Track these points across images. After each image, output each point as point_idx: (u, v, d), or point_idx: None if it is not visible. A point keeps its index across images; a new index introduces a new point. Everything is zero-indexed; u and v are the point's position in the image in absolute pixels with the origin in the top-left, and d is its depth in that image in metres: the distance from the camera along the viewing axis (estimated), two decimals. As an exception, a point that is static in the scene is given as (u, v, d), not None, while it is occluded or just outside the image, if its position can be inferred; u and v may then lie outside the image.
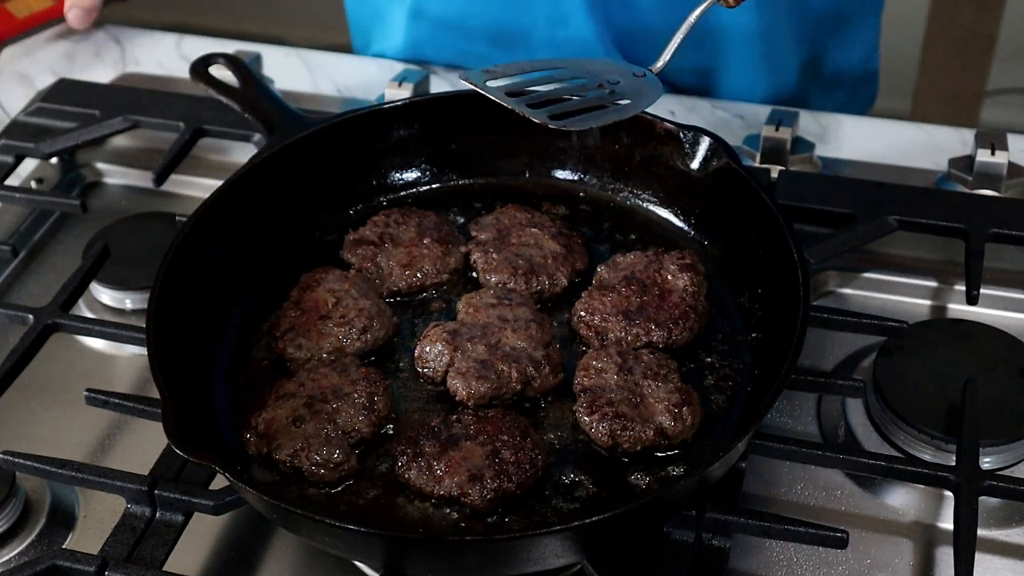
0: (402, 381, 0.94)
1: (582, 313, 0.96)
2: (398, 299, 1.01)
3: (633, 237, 1.07)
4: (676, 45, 0.97)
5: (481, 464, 0.84)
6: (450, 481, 0.83)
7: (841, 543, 0.83)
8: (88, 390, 0.94)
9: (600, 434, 0.87)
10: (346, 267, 1.02)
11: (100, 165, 1.29)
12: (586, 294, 0.98)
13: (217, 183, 1.02)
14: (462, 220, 1.09)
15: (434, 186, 1.12)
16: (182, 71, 1.20)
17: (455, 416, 0.88)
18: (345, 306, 0.96)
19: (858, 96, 1.49)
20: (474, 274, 1.03)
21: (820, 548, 0.89)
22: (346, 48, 1.54)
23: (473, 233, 1.05)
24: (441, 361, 0.92)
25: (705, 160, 1.02)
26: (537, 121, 0.93)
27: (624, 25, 1.34)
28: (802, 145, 1.21)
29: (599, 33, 1.33)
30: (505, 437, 0.85)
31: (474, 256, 1.03)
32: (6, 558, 0.90)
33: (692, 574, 0.83)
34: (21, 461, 0.90)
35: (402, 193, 1.12)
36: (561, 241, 1.03)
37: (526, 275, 1.00)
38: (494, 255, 1.01)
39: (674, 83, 1.35)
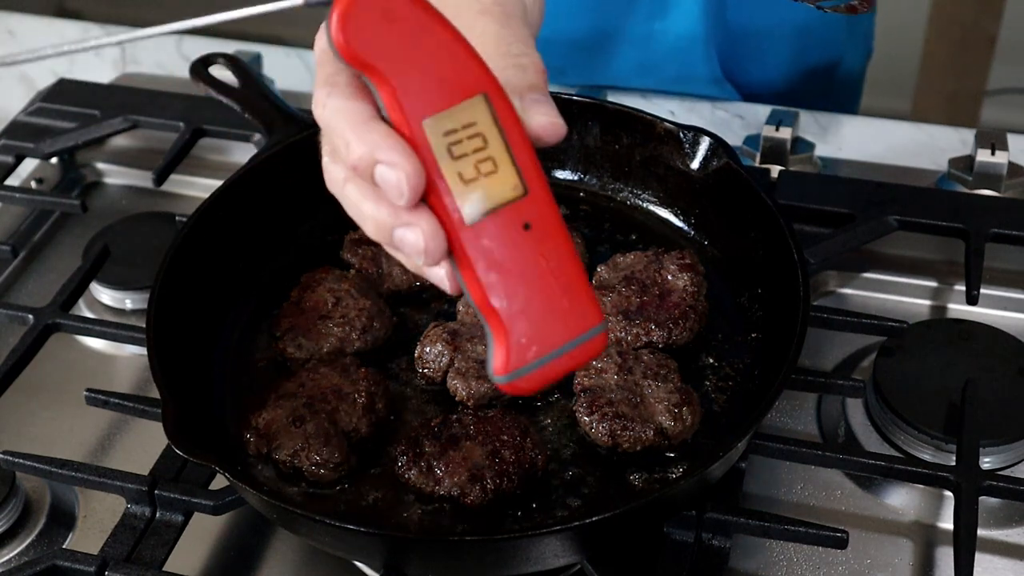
0: (402, 381, 0.94)
1: None
2: (398, 299, 1.01)
3: (633, 237, 1.07)
4: None
5: (481, 464, 0.84)
6: (450, 481, 0.83)
7: (841, 543, 0.83)
8: (88, 390, 0.94)
9: (600, 434, 0.87)
10: (346, 267, 1.02)
11: (100, 165, 1.29)
12: None
13: (217, 183, 1.02)
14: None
15: (434, 186, 1.12)
16: (182, 71, 1.20)
17: (455, 416, 0.88)
18: (345, 306, 0.96)
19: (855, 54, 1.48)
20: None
21: (820, 548, 0.89)
22: (346, 48, 1.53)
23: None
24: (441, 361, 0.92)
25: (705, 160, 1.02)
26: None
27: (736, 25, 1.31)
28: (802, 145, 1.21)
29: (706, 30, 1.30)
30: (505, 437, 0.85)
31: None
32: (6, 558, 0.90)
33: (692, 574, 0.83)
34: (21, 461, 0.90)
35: (402, 193, 1.11)
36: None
37: None
38: None
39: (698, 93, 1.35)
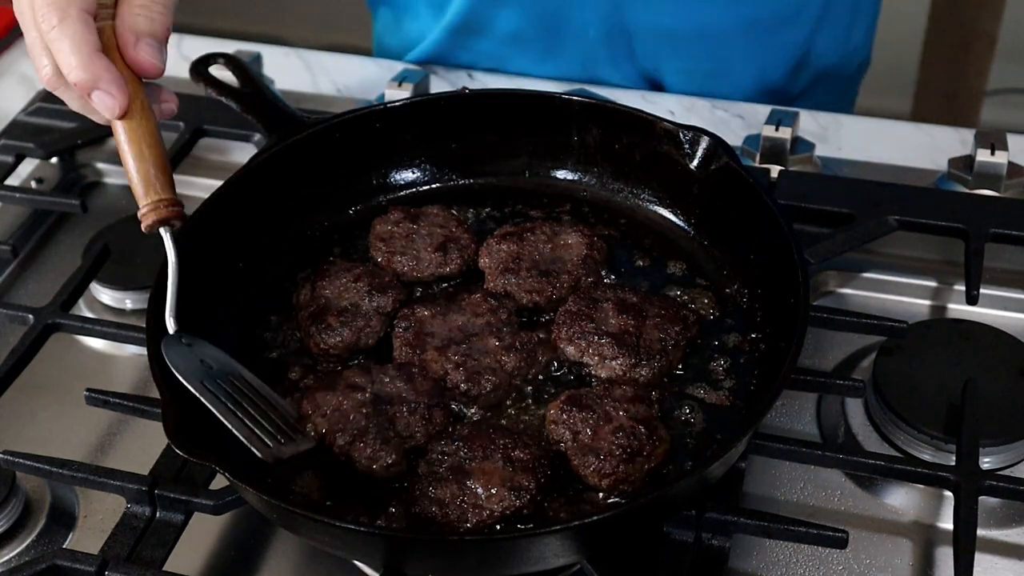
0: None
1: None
2: (415, 290, 1.01)
3: (630, 240, 1.06)
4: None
5: (506, 474, 0.83)
6: (496, 503, 0.82)
7: (841, 543, 0.83)
8: (88, 390, 0.94)
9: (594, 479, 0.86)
10: (355, 260, 1.02)
11: (100, 165, 1.29)
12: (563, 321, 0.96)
13: (217, 183, 1.02)
14: (468, 221, 1.08)
15: (434, 186, 1.12)
16: (182, 71, 1.20)
17: (440, 448, 0.86)
18: (360, 299, 0.96)
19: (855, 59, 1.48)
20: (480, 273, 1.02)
21: (820, 548, 0.89)
22: (346, 48, 1.54)
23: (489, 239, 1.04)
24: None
25: (705, 160, 1.02)
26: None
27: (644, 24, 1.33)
28: (802, 145, 1.21)
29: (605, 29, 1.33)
30: (501, 442, 0.85)
31: (483, 260, 1.02)
32: (6, 558, 0.90)
33: (692, 574, 0.83)
34: (21, 461, 0.90)
35: (402, 193, 1.12)
36: (577, 251, 1.01)
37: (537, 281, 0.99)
38: (505, 256, 1.00)
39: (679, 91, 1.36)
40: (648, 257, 1.04)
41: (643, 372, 0.92)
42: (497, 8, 1.34)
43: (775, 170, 1.17)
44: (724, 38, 1.33)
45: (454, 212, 1.07)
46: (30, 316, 1.02)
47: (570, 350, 0.94)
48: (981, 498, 0.87)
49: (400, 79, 1.27)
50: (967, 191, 1.16)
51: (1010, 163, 1.15)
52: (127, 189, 1.27)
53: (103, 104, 0.86)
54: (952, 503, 0.88)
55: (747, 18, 1.33)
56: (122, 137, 0.89)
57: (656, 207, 1.08)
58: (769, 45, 1.36)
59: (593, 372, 0.93)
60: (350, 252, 1.05)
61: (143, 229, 0.89)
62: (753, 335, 0.96)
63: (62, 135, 1.23)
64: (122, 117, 0.88)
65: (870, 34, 1.47)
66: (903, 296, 1.11)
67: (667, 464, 0.86)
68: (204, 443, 0.82)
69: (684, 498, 0.83)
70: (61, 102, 1.26)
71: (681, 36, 1.33)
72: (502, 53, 1.38)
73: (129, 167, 0.89)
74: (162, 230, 0.89)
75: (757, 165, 1.19)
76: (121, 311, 1.11)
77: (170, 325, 0.88)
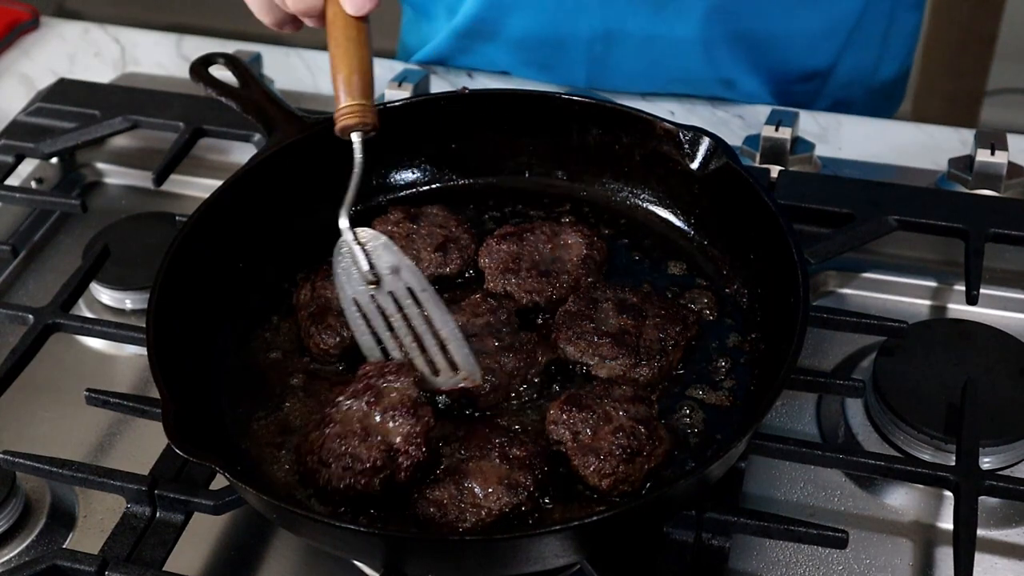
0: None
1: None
2: None
3: (631, 239, 1.06)
4: None
5: (503, 472, 0.83)
6: (494, 502, 0.82)
7: (841, 543, 0.83)
8: (88, 390, 0.94)
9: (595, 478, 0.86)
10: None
11: (100, 165, 1.29)
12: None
13: (217, 183, 1.02)
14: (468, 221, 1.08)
15: (434, 186, 1.12)
16: (182, 71, 1.20)
17: (439, 446, 0.85)
18: None
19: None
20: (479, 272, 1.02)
21: (820, 548, 0.89)
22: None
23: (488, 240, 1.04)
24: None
25: (705, 160, 1.02)
26: None
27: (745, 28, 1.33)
28: (802, 145, 1.21)
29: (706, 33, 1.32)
30: (497, 440, 0.85)
31: (483, 260, 1.02)
32: (6, 558, 0.90)
33: (692, 574, 0.83)
34: (21, 461, 0.90)
35: (402, 193, 1.12)
36: (577, 251, 1.01)
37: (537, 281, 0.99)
38: (505, 256, 1.00)
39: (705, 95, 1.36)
40: (648, 257, 1.04)
41: (643, 372, 0.92)
42: (506, 15, 1.34)
43: (775, 170, 1.17)
44: (727, 52, 1.33)
45: (454, 212, 1.07)
46: (30, 316, 1.02)
47: (570, 350, 0.94)
48: (981, 498, 0.87)
49: (400, 79, 1.27)
50: (967, 191, 1.16)
51: (1010, 163, 1.15)
52: (127, 189, 1.28)
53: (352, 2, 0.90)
54: (952, 503, 0.88)
55: (749, 33, 1.32)
56: (335, 39, 0.92)
57: (656, 207, 1.08)
58: (777, 67, 1.35)
59: (593, 372, 0.93)
60: (350, 252, 1.05)
61: (336, 132, 0.92)
62: (753, 335, 0.96)
63: (62, 135, 1.23)
64: (361, 17, 0.91)
65: (903, 71, 1.46)
66: (903, 296, 1.11)
67: (667, 464, 0.86)
68: (204, 443, 0.82)
69: (684, 498, 0.83)
70: (61, 102, 1.28)
71: (684, 47, 1.32)
72: (507, 60, 1.38)
73: (333, 70, 0.92)
74: (353, 135, 0.92)
75: (757, 165, 1.19)
76: (121, 311, 1.11)
77: (343, 223, 0.92)
